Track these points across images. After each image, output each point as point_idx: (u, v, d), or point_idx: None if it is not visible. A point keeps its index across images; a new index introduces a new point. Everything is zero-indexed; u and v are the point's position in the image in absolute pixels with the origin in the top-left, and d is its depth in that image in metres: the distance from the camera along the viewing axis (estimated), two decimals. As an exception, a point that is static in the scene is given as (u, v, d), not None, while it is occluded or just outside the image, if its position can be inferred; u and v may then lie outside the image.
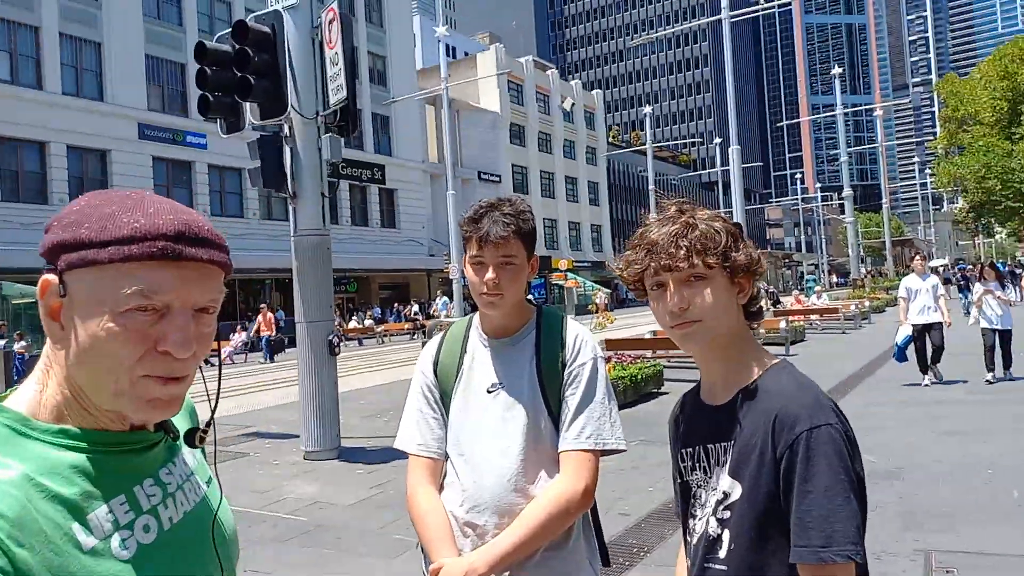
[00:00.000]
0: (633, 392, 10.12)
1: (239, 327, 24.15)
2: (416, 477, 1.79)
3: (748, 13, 25.91)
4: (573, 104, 62.33)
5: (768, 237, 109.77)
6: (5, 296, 19.96)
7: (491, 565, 1.59)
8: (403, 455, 1.84)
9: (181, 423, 1.02)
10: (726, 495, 1.26)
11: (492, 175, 52.15)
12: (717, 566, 1.27)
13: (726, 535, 1.25)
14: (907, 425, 7.82)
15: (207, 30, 29.81)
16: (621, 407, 9.53)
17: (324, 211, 7.48)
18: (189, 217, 0.86)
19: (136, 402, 0.83)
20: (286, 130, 7.36)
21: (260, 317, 23.05)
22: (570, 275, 51.66)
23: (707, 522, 1.29)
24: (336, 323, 21.88)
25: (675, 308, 1.26)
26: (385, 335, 30.68)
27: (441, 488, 1.79)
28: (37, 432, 0.83)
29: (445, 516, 1.72)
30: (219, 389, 0.98)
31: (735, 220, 1.36)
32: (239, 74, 6.92)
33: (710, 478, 1.30)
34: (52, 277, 0.83)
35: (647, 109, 47.62)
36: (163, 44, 30.23)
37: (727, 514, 1.26)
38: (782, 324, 15.93)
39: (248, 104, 7.30)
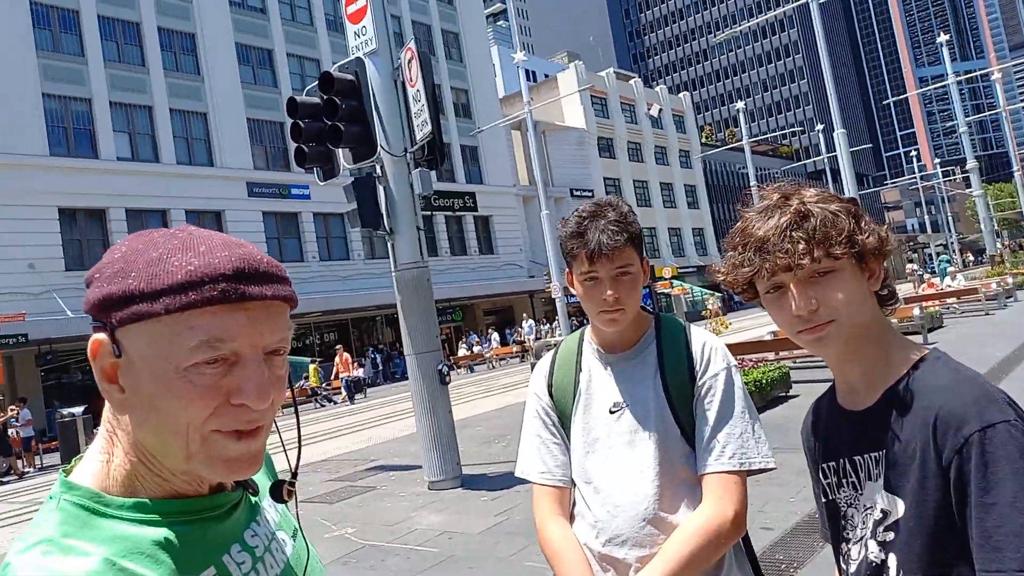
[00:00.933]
0: (759, 398, 9.64)
1: (355, 364, 24.93)
2: (544, 508, 1.67)
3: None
4: (660, 110, 61.44)
5: (887, 221, 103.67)
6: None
7: None
8: (525, 480, 1.73)
9: (259, 477, 0.94)
10: (885, 514, 1.08)
11: (585, 190, 51.93)
12: None
13: (892, 560, 1.07)
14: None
15: (299, 87, 31.37)
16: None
17: (421, 244, 7.59)
18: (245, 251, 0.77)
19: (212, 463, 0.75)
20: (378, 170, 7.54)
21: (337, 359, 22.63)
22: (676, 282, 50.54)
23: (866, 546, 1.12)
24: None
25: (803, 312, 1.09)
26: (495, 359, 30.98)
27: (572, 518, 1.68)
28: (112, 508, 0.74)
29: (581, 550, 1.60)
30: (299, 436, 0.91)
31: (848, 196, 1.17)
32: (329, 123, 7.17)
33: (861, 495, 1.13)
34: (102, 336, 0.74)
35: (739, 104, 46.23)
36: (262, 107, 32.07)
37: (890, 535, 1.07)
38: (916, 311, 14.86)
39: (340, 150, 7.53)
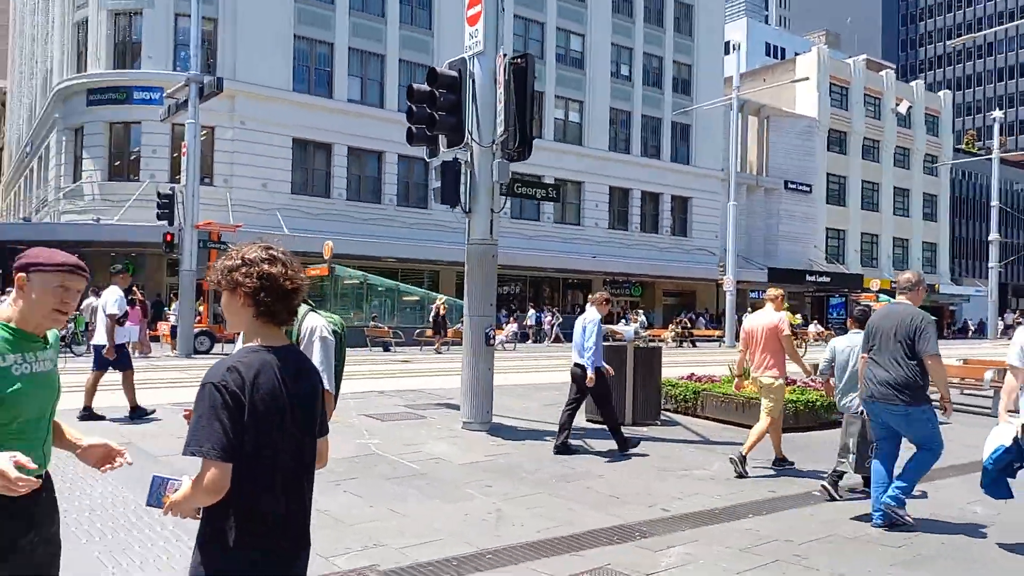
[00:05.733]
0: (810, 417, 9.80)
1: (512, 318, 26.78)
2: None
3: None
4: (910, 107, 55.85)
5: None
6: (338, 277, 24.93)
7: None
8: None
9: (52, 336, 2.42)
10: None
11: (802, 185, 49.30)
12: None
13: None
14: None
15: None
16: (795, 429, 9.10)
17: (492, 224, 8.80)
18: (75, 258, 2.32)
19: (48, 321, 2.27)
20: (468, 156, 8.83)
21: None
22: (882, 296, 46.68)
23: None
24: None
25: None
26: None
27: None
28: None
29: None
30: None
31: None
32: (429, 111, 8.56)
33: None
34: (23, 275, 2.24)
35: (995, 113, 41.13)
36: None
37: None
38: (988, 375, 11.79)
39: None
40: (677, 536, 5.11)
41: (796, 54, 65.46)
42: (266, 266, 2.08)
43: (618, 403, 9.47)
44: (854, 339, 6.54)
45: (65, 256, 2.28)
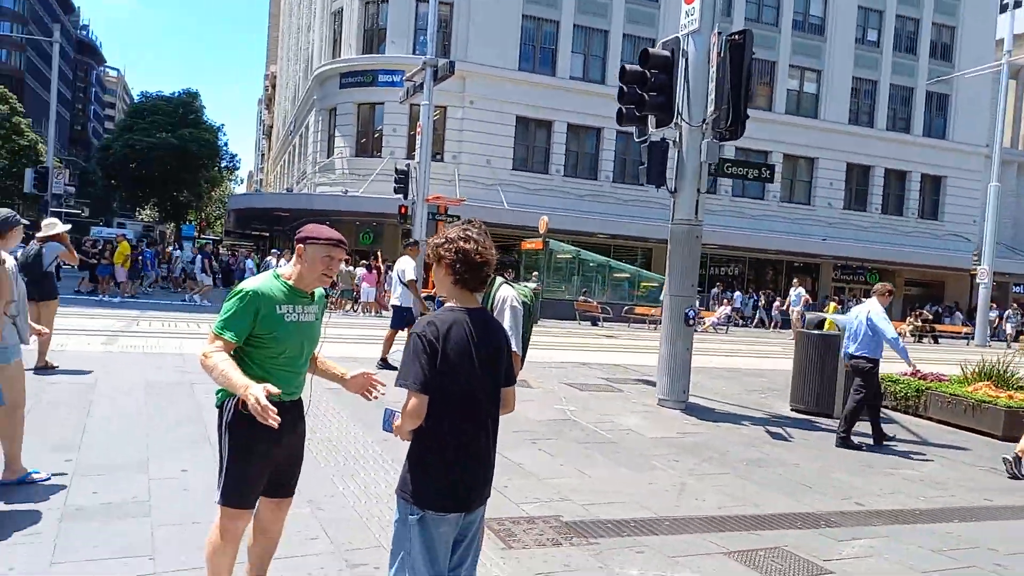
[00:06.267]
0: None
1: (726, 299, 25.93)
2: None
3: None
4: None
5: None
6: (552, 251, 25.79)
7: None
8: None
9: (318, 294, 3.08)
10: None
11: (1097, 162, 41.93)
12: None
13: None
14: None
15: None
16: None
17: (698, 205, 8.75)
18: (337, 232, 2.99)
19: (316, 282, 2.97)
20: (677, 136, 8.85)
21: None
22: None
23: None
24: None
25: None
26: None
27: None
28: (280, 280, 2.94)
29: None
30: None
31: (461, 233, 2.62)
32: (639, 92, 8.68)
33: None
34: (301, 245, 2.94)
35: None
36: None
37: None
38: None
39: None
40: (866, 530, 4.96)
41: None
42: (462, 243, 2.56)
43: (827, 395, 9.13)
44: None
45: (331, 232, 2.93)
